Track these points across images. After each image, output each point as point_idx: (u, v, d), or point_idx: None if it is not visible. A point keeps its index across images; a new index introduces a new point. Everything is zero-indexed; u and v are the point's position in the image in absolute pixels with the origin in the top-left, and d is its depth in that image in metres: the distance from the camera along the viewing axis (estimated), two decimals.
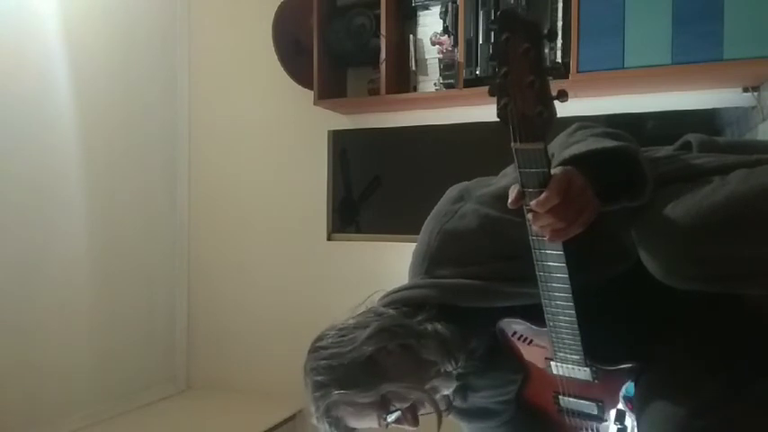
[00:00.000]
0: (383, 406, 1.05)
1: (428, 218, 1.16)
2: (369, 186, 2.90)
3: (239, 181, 2.96)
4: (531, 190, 0.83)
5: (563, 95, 0.76)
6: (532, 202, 0.83)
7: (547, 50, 2.09)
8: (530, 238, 0.90)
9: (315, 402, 1.08)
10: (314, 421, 1.10)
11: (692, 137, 1.07)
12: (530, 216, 0.86)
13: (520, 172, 0.81)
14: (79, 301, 2.49)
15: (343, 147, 2.82)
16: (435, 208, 1.16)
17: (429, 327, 1.06)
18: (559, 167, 0.86)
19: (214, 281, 2.99)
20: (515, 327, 1.09)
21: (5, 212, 2.21)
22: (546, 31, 0.76)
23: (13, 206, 2.24)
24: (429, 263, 1.12)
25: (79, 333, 2.49)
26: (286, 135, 2.86)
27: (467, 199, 1.11)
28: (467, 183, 1.17)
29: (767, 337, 0.95)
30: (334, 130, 2.77)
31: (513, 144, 0.78)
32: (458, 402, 1.17)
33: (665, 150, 1.08)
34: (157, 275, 2.91)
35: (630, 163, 0.91)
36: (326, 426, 1.08)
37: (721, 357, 0.93)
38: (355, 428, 1.09)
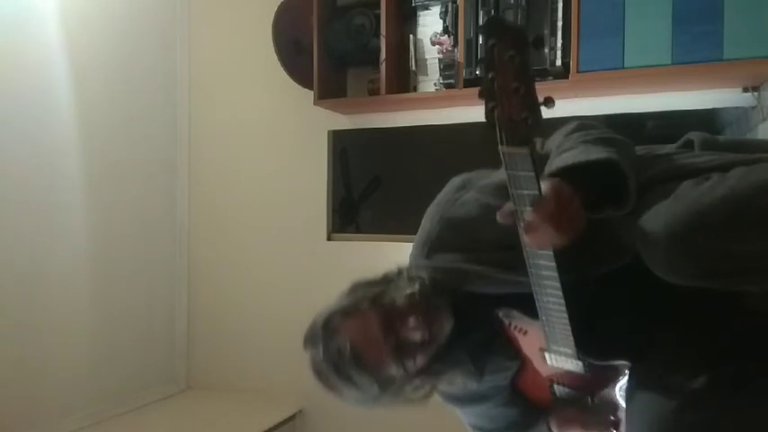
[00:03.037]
0: (382, 313, 1.06)
1: (430, 206, 1.19)
2: (369, 186, 2.90)
3: (239, 181, 2.96)
4: (524, 209, 0.85)
5: (549, 102, 0.77)
6: (524, 218, 0.86)
7: (546, 51, 2.09)
8: (520, 238, 0.91)
9: (322, 352, 1.08)
10: (322, 381, 1.09)
11: (693, 135, 1.08)
12: (521, 227, 0.88)
13: (507, 174, 0.83)
14: (79, 300, 2.49)
15: (343, 147, 2.82)
16: (438, 196, 1.19)
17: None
18: (548, 180, 0.88)
19: (214, 281, 2.99)
20: (512, 316, 1.10)
21: (5, 212, 2.21)
22: (531, 39, 0.77)
23: (13, 206, 2.24)
24: (429, 249, 1.14)
25: (79, 333, 2.49)
26: (286, 135, 2.86)
27: (468, 188, 1.14)
28: (469, 173, 1.19)
29: (762, 336, 0.95)
30: (334, 130, 2.77)
31: (500, 147, 0.80)
32: (456, 388, 1.19)
33: (667, 148, 1.09)
34: (157, 275, 2.91)
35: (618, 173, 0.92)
36: (332, 361, 1.07)
37: (715, 354, 0.94)
38: (361, 352, 1.06)
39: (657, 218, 0.88)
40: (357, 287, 1.14)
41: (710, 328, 0.97)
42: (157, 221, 2.91)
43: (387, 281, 1.12)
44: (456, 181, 1.18)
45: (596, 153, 0.93)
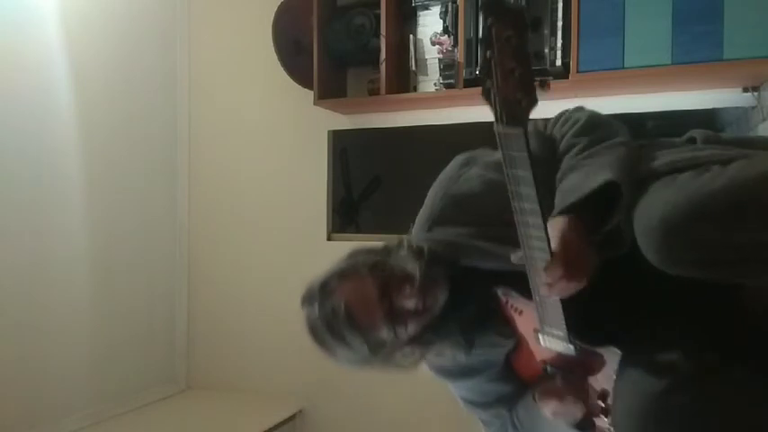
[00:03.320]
0: (379, 279, 1.08)
1: (434, 182, 1.22)
2: (369, 186, 2.91)
3: (239, 181, 2.96)
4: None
5: (545, 85, 0.77)
6: (544, 278, 0.91)
7: (546, 50, 2.09)
8: (515, 216, 0.92)
9: (317, 310, 1.11)
10: (315, 339, 1.12)
11: (696, 132, 1.09)
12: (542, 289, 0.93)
13: (502, 154, 0.84)
14: (79, 300, 2.49)
15: (343, 147, 2.82)
16: (442, 173, 1.22)
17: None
18: (556, 227, 0.92)
19: (214, 281, 2.99)
20: (509, 295, 1.12)
21: (5, 212, 2.21)
22: (530, 22, 0.78)
23: (14, 206, 2.24)
24: (431, 223, 1.17)
25: (79, 333, 2.49)
26: (286, 135, 2.86)
27: (472, 165, 1.18)
28: (473, 151, 1.22)
29: (758, 331, 0.97)
30: (334, 130, 2.77)
31: (494, 126, 0.81)
32: (446, 361, 1.21)
33: (671, 142, 1.11)
34: (157, 275, 2.91)
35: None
36: (326, 319, 1.09)
37: (705, 342, 0.95)
38: (355, 313, 1.08)
39: (656, 208, 0.89)
40: (356, 253, 1.17)
41: (705, 320, 0.98)
42: (157, 221, 2.91)
43: (387, 250, 1.15)
44: (460, 158, 1.21)
45: (599, 174, 0.95)
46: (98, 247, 2.57)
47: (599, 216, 0.95)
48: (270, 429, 2.54)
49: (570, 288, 0.92)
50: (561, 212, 0.96)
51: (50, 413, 2.37)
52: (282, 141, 2.87)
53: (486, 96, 0.79)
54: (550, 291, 0.92)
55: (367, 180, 2.89)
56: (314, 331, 1.12)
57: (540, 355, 1.16)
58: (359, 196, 2.90)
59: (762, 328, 0.97)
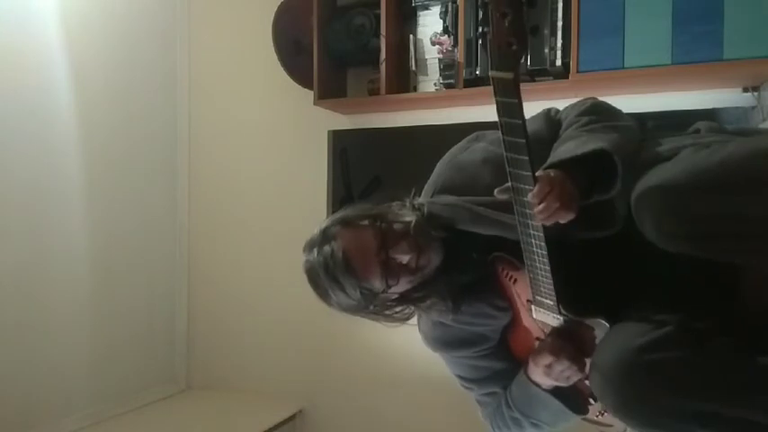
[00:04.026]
0: (378, 231, 1.13)
1: (444, 156, 1.27)
2: (369, 186, 2.90)
3: (239, 181, 2.96)
4: (523, 186, 0.92)
5: (535, 31, 0.81)
6: (529, 197, 0.93)
7: (546, 50, 2.09)
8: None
9: (316, 253, 1.15)
10: (311, 281, 1.16)
11: (701, 124, 1.11)
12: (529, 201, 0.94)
13: (496, 101, 0.87)
14: (79, 300, 2.49)
15: (343, 147, 2.81)
16: (453, 146, 1.28)
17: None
18: (543, 171, 0.95)
19: (214, 281, 2.99)
20: (504, 262, 1.14)
21: (5, 213, 2.21)
22: None
23: (13, 206, 2.24)
24: (434, 191, 1.22)
25: (79, 333, 2.49)
26: (286, 135, 2.86)
27: (481, 139, 1.23)
28: (485, 130, 1.27)
29: (736, 305, 0.99)
30: (334, 130, 2.77)
31: (489, 72, 0.85)
32: (435, 330, 1.25)
33: (674, 133, 1.12)
34: (157, 275, 2.91)
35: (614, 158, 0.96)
36: (324, 262, 1.12)
37: (696, 315, 0.96)
38: (351, 259, 1.11)
39: (653, 182, 0.90)
40: (359, 206, 1.22)
41: (689, 294, 0.99)
42: (157, 221, 2.91)
43: (389, 207, 1.20)
44: (472, 135, 1.27)
45: (593, 144, 0.97)
46: (98, 247, 2.57)
47: (589, 186, 0.96)
48: (270, 429, 2.54)
49: (558, 211, 0.92)
50: (549, 167, 0.98)
51: (50, 413, 2.37)
52: (282, 141, 2.87)
53: (484, 44, 0.83)
54: (538, 211, 0.92)
55: (367, 180, 2.89)
56: (310, 273, 1.17)
57: (534, 333, 1.17)
58: (359, 196, 2.90)
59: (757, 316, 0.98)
